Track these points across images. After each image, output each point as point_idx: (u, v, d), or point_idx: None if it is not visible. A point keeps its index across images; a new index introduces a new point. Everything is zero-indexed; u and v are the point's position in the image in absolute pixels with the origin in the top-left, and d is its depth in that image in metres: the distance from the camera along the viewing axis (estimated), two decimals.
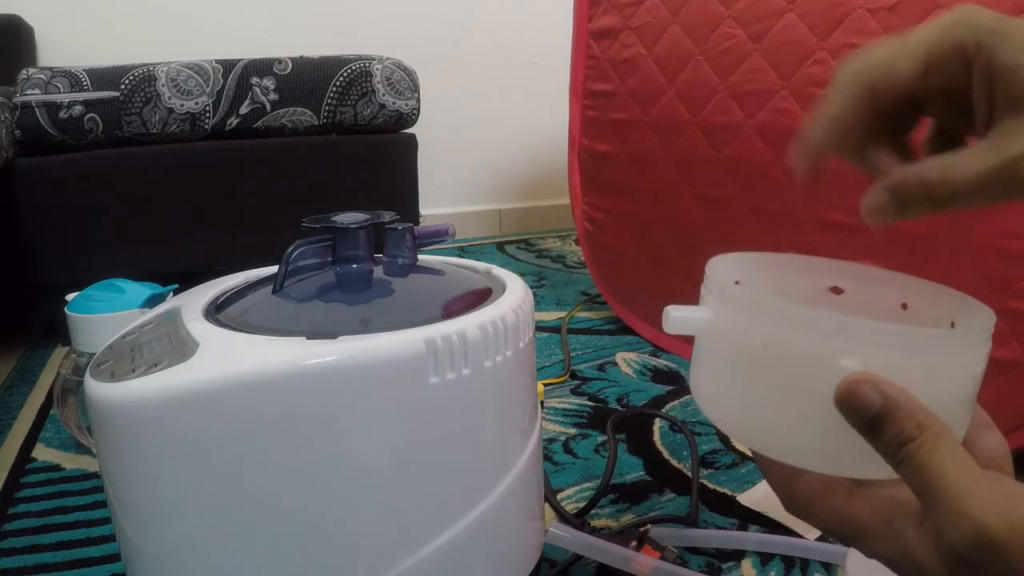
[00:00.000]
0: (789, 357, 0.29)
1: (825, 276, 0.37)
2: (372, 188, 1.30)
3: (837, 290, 0.37)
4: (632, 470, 0.70)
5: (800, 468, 0.31)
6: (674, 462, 0.71)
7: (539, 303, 1.25)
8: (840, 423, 0.27)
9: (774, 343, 0.29)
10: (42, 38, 1.48)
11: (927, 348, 0.27)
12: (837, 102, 0.31)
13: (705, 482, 0.68)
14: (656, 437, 0.77)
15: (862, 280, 0.37)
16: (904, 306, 0.35)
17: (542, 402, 0.85)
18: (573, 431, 0.78)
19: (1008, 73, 0.27)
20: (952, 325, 0.32)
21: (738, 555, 0.57)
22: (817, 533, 0.57)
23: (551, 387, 0.90)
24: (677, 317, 0.31)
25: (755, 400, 0.30)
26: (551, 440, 0.76)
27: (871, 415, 0.26)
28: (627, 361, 0.98)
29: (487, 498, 0.42)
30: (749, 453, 0.68)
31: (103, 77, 1.09)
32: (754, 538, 0.58)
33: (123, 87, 1.10)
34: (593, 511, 0.63)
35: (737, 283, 0.35)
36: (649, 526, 0.58)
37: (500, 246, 1.76)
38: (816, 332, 0.28)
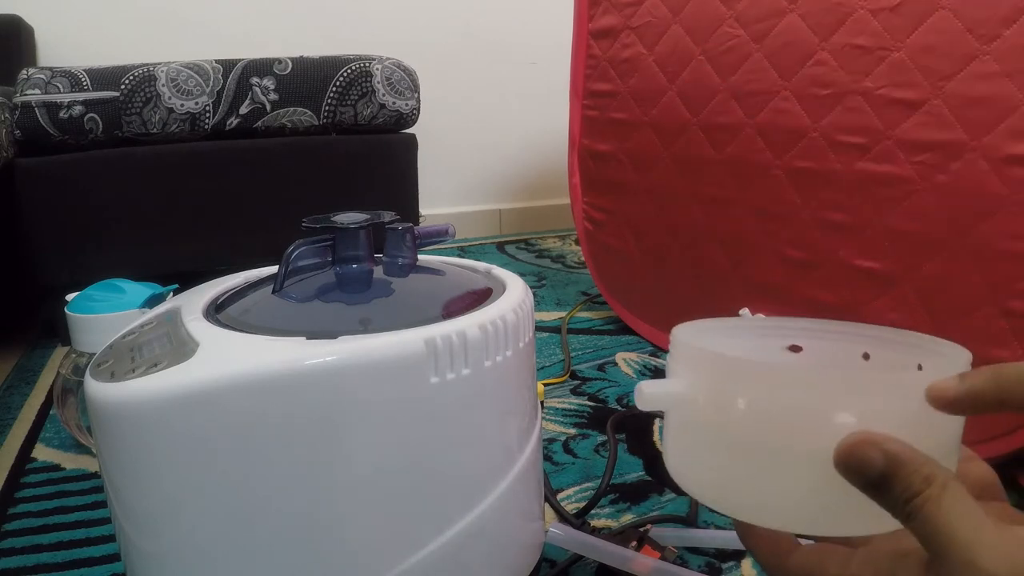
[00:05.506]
0: (778, 419, 0.27)
1: (780, 336, 0.36)
2: (372, 188, 1.30)
3: (796, 348, 0.36)
4: (632, 470, 0.70)
5: (791, 542, 0.30)
6: None
7: (539, 303, 1.25)
8: (837, 482, 0.26)
9: (760, 406, 0.28)
10: (42, 38, 1.48)
11: (920, 394, 0.27)
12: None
13: None
14: (656, 437, 0.77)
15: (818, 335, 0.36)
16: (866, 356, 0.34)
17: (542, 402, 0.85)
18: (573, 431, 0.78)
19: None
20: (920, 367, 0.32)
21: (738, 555, 0.57)
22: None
23: (551, 387, 0.90)
24: (651, 394, 0.30)
25: (742, 467, 0.29)
26: (551, 440, 0.76)
27: (875, 475, 0.26)
28: (627, 361, 0.98)
29: (487, 498, 0.42)
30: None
31: (103, 77, 1.09)
32: None
33: (123, 87, 1.10)
34: (593, 511, 0.63)
35: None
36: (649, 526, 0.58)
37: (500, 246, 1.76)
38: (802, 389, 0.27)
